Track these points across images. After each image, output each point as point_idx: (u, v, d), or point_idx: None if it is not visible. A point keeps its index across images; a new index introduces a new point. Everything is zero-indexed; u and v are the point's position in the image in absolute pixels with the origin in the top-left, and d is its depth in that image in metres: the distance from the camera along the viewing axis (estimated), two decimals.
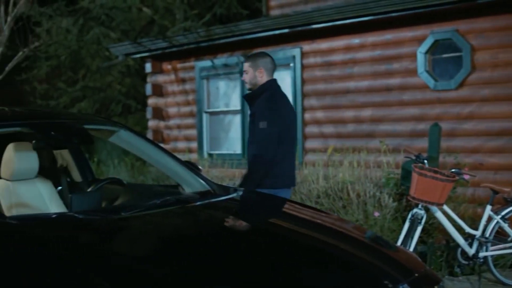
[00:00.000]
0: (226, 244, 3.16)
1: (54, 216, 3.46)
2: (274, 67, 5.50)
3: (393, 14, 8.60)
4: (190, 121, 11.79)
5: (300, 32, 9.80)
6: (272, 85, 5.42)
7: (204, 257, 2.92)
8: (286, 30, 9.83)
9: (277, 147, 5.19)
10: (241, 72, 10.67)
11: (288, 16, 9.92)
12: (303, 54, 10.03)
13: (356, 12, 8.87)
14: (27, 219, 3.34)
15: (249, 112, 5.55)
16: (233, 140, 11.08)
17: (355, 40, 9.42)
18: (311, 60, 9.96)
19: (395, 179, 7.38)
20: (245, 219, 3.81)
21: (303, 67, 10.03)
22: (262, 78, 5.39)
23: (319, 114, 9.87)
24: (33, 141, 4.07)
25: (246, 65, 5.44)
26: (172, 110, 12.16)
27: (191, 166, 4.59)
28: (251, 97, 5.44)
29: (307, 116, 10.01)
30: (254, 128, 5.28)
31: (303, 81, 10.03)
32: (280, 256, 3.07)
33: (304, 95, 10.03)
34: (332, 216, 4.34)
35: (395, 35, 9.03)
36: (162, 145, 11.03)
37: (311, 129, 9.99)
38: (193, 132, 11.70)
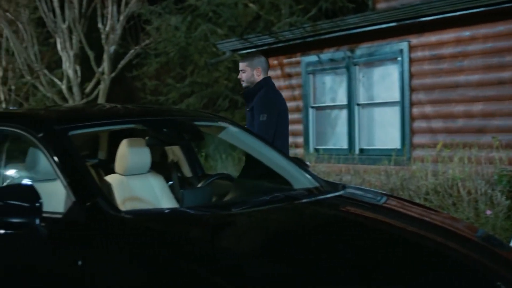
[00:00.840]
0: (336, 242, 3.15)
1: (166, 211, 3.53)
2: (268, 66, 6.02)
3: (506, 5, 8.32)
4: (296, 116, 11.81)
5: (407, 25, 9.64)
6: (268, 82, 5.88)
7: (314, 255, 2.93)
8: (393, 24, 9.69)
9: (273, 140, 5.60)
10: (347, 67, 10.61)
11: (395, 9, 9.76)
12: (411, 48, 9.85)
13: (467, 4, 8.64)
14: (141, 214, 3.42)
15: (247, 108, 5.95)
16: (339, 135, 11.03)
17: (466, 32, 9.17)
18: (419, 53, 9.77)
19: (508, 176, 7.16)
20: (353, 216, 3.78)
21: (411, 61, 9.85)
22: (259, 76, 5.87)
23: (428, 109, 9.68)
24: (146, 138, 4.19)
25: (243, 65, 5.92)
26: None
27: (299, 162, 4.58)
28: (249, 94, 5.87)
29: (415, 110, 9.83)
30: (253, 121, 5.75)
31: (411, 75, 9.86)
32: (389, 256, 3.03)
33: (412, 90, 9.86)
34: (442, 214, 4.24)
35: (507, 26, 8.72)
36: None
37: (419, 124, 9.81)
38: (299, 127, 11.72)
